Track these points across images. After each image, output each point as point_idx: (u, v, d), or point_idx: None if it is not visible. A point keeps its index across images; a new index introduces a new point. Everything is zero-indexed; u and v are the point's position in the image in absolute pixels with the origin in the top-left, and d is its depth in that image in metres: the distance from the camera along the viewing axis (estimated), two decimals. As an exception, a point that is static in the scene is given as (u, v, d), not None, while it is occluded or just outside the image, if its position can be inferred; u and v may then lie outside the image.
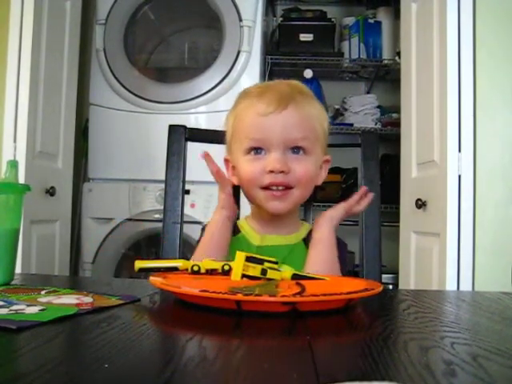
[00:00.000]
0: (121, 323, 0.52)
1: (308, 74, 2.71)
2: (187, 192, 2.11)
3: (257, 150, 0.90)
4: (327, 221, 0.93)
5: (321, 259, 0.91)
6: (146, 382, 0.36)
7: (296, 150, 0.90)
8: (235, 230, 0.98)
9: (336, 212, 0.95)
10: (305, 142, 0.90)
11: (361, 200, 0.95)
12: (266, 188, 0.89)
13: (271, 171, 0.88)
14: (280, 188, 0.89)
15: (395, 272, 2.28)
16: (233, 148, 0.95)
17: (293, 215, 0.98)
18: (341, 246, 0.97)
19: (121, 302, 0.62)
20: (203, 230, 1.01)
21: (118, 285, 0.87)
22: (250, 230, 0.97)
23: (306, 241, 0.96)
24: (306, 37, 2.77)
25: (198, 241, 1.01)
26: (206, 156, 0.93)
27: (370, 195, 0.96)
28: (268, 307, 0.58)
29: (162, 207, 1.16)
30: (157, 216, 2.31)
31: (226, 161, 0.99)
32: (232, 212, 0.95)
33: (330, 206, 0.97)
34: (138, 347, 0.44)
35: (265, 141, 0.89)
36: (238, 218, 1.04)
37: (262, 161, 0.89)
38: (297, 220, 1.00)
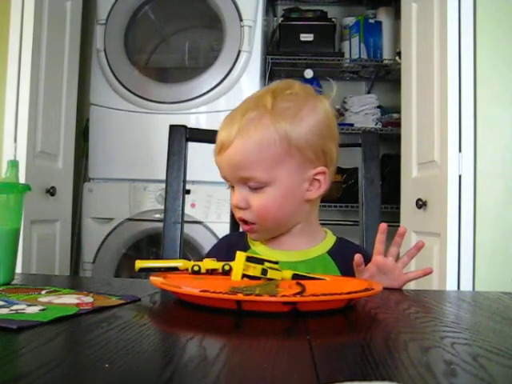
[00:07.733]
0: (121, 323, 0.52)
1: (308, 74, 2.71)
2: (188, 192, 2.11)
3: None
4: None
5: None
6: (146, 382, 0.36)
7: (251, 184, 0.85)
8: (245, 246, 0.93)
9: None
10: (256, 174, 0.83)
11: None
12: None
13: (235, 207, 0.88)
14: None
15: (395, 272, 2.27)
16: None
17: (306, 227, 0.90)
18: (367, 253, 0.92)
19: (121, 301, 0.62)
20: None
21: (119, 285, 0.87)
22: (262, 247, 0.92)
23: (331, 253, 0.90)
24: (306, 37, 2.77)
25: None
26: None
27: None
28: (268, 307, 0.58)
29: (162, 207, 1.16)
30: (157, 216, 2.31)
31: None
32: None
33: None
34: (137, 347, 0.44)
35: (225, 178, 0.89)
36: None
37: (233, 194, 0.89)
38: (315, 230, 0.93)
